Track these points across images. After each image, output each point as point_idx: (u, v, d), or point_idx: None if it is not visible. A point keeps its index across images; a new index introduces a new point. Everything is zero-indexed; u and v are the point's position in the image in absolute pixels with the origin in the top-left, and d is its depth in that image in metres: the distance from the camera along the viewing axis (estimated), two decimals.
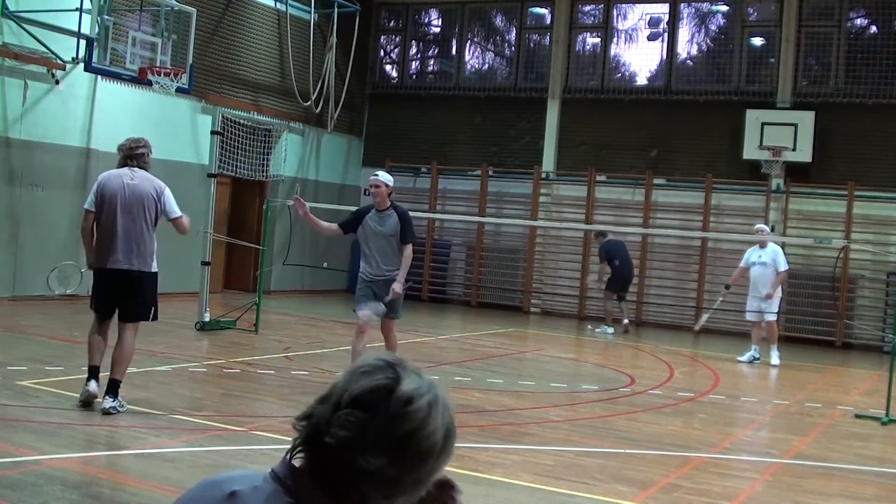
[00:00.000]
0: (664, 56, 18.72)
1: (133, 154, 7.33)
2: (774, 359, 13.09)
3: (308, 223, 8.99)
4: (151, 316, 7.32)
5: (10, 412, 6.89)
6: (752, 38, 18.46)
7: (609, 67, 19.26)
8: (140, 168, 7.33)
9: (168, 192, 7.33)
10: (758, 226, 13.84)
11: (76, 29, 13.36)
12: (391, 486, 1.47)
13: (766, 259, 13.02)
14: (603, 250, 16.06)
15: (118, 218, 7.13)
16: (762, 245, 13.14)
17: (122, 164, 7.38)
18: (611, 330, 15.94)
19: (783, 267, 13.04)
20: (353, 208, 18.60)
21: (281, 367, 9.88)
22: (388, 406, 1.45)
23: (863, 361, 15.00)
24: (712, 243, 17.52)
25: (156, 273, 7.31)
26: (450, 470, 5.64)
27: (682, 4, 18.67)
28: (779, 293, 13.28)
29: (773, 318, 13.23)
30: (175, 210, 7.36)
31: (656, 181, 18.08)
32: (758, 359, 13.23)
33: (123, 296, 7.22)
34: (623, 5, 19.17)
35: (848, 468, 7.17)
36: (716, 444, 7.83)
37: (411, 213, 20.77)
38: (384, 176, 8.69)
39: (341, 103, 19.34)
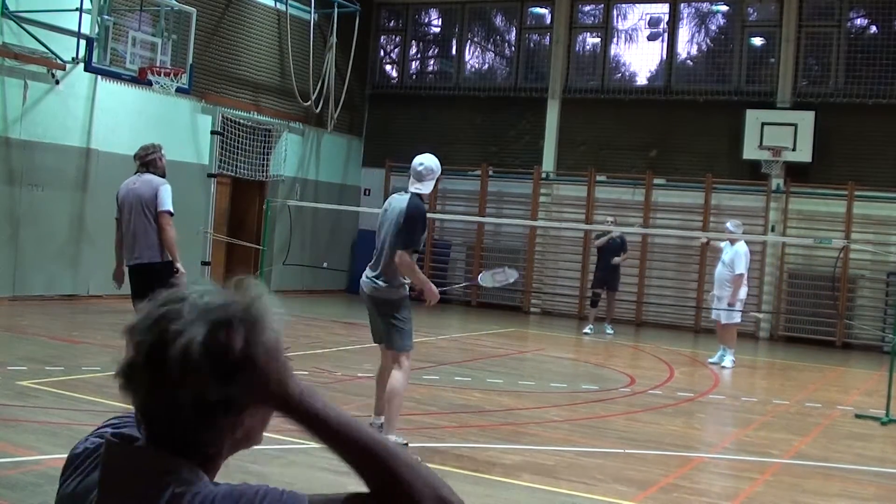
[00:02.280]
0: (664, 56, 18.73)
1: (146, 161, 7.81)
2: (727, 361, 12.62)
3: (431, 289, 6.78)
4: None
5: (10, 412, 6.89)
6: (752, 38, 18.46)
7: (609, 67, 19.27)
8: (152, 173, 7.77)
9: (164, 188, 7.68)
10: (727, 224, 13.34)
11: (76, 29, 13.35)
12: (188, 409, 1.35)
13: (726, 259, 12.60)
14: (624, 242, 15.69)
15: (128, 220, 7.69)
16: (732, 243, 12.71)
17: (137, 172, 7.84)
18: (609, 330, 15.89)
19: (739, 270, 12.44)
20: (354, 209, 18.94)
21: None
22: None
23: (863, 361, 14.99)
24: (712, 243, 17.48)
25: (170, 261, 7.75)
26: (450, 470, 5.60)
27: (682, 4, 18.68)
28: (740, 296, 12.67)
29: (728, 320, 12.75)
30: (163, 203, 7.66)
31: (656, 181, 18.08)
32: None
33: (151, 287, 7.63)
34: (623, 5, 19.17)
35: (848, 468, 7.16)
36: (716, 444, 7.84)
37: None
38: None
39: (341, 103, 19.35)
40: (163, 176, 7.80)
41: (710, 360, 12.92)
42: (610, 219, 15.74)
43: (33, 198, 13.71)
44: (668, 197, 18.14)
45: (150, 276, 7.61)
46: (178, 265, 7.61)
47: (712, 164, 17.74)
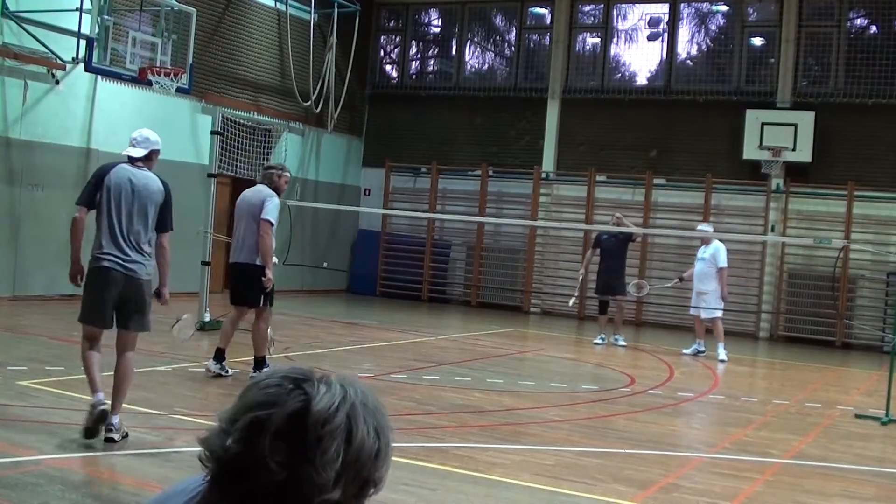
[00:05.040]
0: (664, 56, 18.73)
1: (264, 173, 9.29)
2: (721, 354, 13.19)
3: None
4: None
5: (10, 412, 6.89)
6: (752, 38, 18.46)
7: (609, 67, 19.27)
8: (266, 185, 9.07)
9: (271, 201, 8.94)
10: (700, 226, 14.49)
11: (76, 29, 13.36)
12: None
13: (706, 255, 13.33)
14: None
15: (237, 223, 9.18)
16: (706, 242, 13.47)
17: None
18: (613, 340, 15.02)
19: (722, 264, 13.24)
20: (354, 209, 18.93)
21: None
22: (306, 433, 1.36)
23: (863, 361, 14.99)
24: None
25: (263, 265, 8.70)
26: (450, 470, 5.61)
27: (682, 4, 18.67)
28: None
29: (716, 315, 13.35)
30: (266, 213, 8.87)
31: (656, 181, 18.08)
32: (702, 352, 13.51)
33: (246, 285, 9.03)
34: (623, 5, 19.17)
35: (848, 468, 7.16)
36: (716, 444, 7.84)
37: (412, 214, 20.19)
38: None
39: (341, 103, 19.34)
40: (276, 191, 8.81)
41: (685, 352, 13.60)
42: (617, 214, 14.33)
43: (33, 198, 13.71)
44: (668, 197, 18.14)
45: (243, 275, 8.76)
46: (268, 272, 8.64)
47: (712, 164, 17.74)
